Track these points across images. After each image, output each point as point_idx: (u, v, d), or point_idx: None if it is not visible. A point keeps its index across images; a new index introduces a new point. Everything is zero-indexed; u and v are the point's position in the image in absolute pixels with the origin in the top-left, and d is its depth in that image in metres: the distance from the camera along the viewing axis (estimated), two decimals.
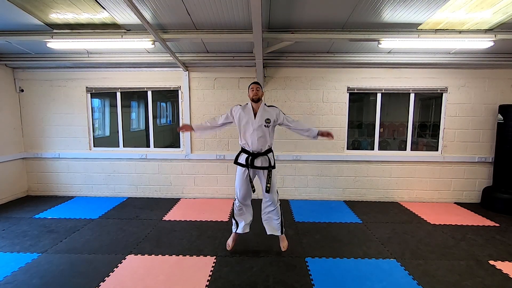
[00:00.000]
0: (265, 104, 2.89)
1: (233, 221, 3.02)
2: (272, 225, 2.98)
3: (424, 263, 2.79)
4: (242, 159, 2.84)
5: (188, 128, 3.00)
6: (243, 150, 2.87)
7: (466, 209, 4.34)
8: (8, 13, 3.13)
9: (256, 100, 2.82)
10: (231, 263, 2.76)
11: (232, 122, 2.91)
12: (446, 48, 3.93)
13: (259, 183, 2.94)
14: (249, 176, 2.84)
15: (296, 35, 3.50)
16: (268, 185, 2.79)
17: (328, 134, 2.88)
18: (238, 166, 2.89)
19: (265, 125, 2.78)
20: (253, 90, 2.82)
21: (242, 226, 2.97)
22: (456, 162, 4.60)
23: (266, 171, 2.83)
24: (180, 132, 2.80)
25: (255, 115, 2.80)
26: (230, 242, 3.04)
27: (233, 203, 3.03)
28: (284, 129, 2.78)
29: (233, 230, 3.02)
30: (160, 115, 6.26)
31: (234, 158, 2.91)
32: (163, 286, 2.40)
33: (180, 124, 4.67)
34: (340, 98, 4.56)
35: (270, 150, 2.88)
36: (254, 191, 2.89)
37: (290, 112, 4.56)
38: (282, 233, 2.99)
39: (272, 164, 2.86)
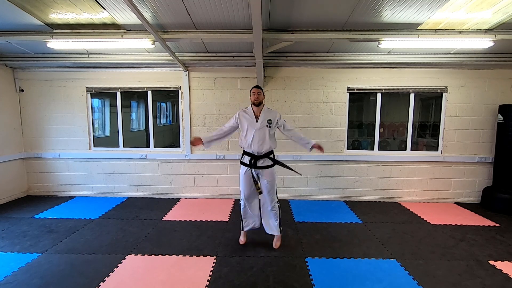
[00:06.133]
0: (267, 108, 2.99)
1: (241, 220, 3.13)
2: (270, 225, 3.08)
3: (424, 263, 2.79)
4: (246, 159, 2.94)
5: (198, 141, 2.95)
6: (246, 153, 2.95)
7: (466, 209, 4.33)
8: (8, 13, 3.13)
9: (258, 104, 2.91)
10: (231, 263, 2.75)
11: (238, 127, 3.00)
12: (446, 48, 3.92)
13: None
14: (253, 177, 2.91)
15: (296, 35, 3.50)
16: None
17: (319, 147, 3.00)
18: (241, 167, 2.98)
19: (267, 125, 2.87)
20: (254, 94, 2.91)
21: (248, 225, 3.11)
22: (456, 162, 4.60)
23: (268, 171, 2.91)
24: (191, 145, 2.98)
25: (256, 118, 2.90)
26: (241, 238, 3.15)
27: (240, 203, 3.11)
28: None
29: (241, 228, 3.14)
30: (160, 115, 6.27)
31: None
32: (163, 286, 2.40)
33: (181, 124, 4.71)
34: (340, 98, 4.56)
35: (271, 152, 2.96)
36: (260, 192, 2.94)
37: (290, 112, 4.57)
38: (280, 233, 3.08)
39: (273, 162, 2.94)
